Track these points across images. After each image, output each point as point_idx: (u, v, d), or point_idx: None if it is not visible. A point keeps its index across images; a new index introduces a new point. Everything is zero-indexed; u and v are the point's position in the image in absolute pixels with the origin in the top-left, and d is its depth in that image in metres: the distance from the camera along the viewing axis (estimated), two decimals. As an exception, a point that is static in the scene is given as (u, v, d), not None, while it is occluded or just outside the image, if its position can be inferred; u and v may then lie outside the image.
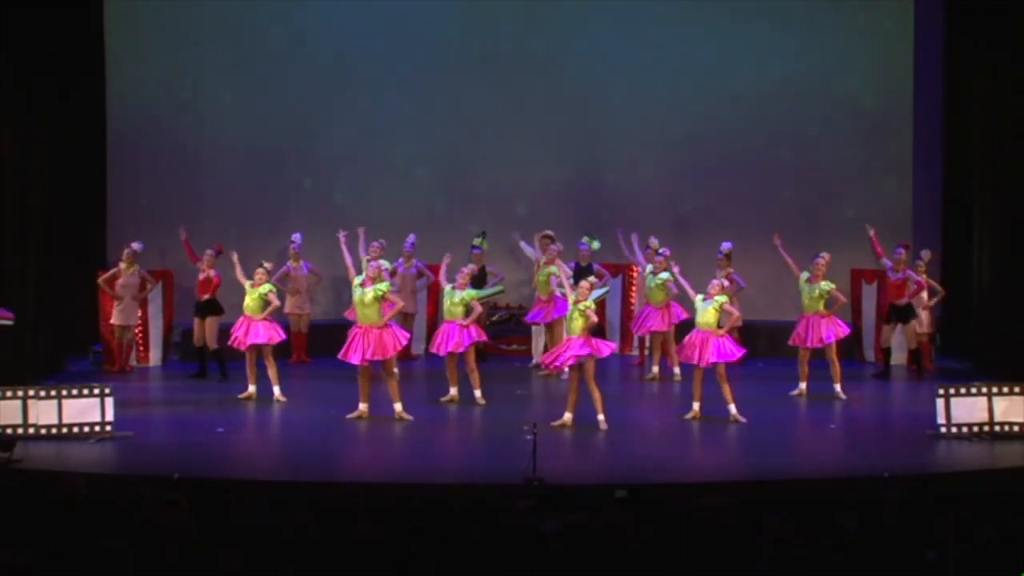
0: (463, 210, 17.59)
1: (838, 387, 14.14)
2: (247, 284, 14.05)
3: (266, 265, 14.29)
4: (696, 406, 12.98)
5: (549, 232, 15.80)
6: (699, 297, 13.06)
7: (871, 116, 17.57)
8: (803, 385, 14.22)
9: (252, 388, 14.04)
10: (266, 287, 14.02)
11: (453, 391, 13.88)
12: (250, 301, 13.98)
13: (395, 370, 13.22)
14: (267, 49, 17.57)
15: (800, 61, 17.59)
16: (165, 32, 17.39)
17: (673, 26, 17.78)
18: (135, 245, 15.60)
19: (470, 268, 14.23)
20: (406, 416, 12.93)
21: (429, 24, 17.68)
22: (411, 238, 16.21)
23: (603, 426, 12.47)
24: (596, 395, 12.50)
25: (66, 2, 15.69)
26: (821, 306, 13.99)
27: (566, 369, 12.83)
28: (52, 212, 15.29)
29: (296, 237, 16.29)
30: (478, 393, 13.81)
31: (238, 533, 7.83)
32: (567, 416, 12.58)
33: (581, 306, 12.43)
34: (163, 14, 17.39)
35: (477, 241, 16.13)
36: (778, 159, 17.72)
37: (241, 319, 14.05)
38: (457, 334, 13.65)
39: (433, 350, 14.09)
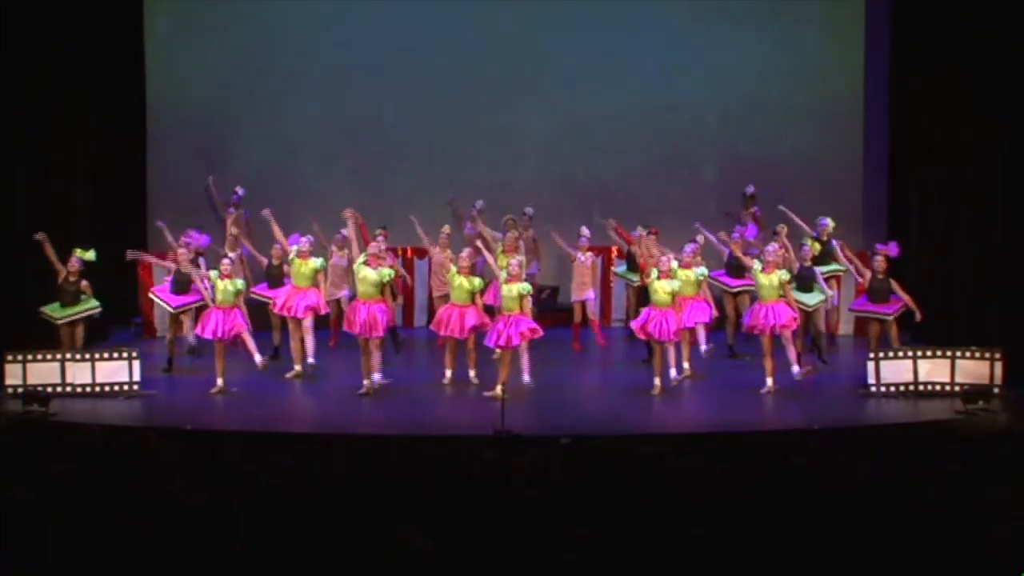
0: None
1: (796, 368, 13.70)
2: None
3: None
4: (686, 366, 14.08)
5: (514, 217, 16.06)
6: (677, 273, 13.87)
7: (826, 114, 18.57)
8: (770, 381, 13.68)
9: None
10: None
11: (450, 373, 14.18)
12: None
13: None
14: (292, 51, 18.94)
15: (768, 59, 18.60)
16: (202, 35, 18.84)
17: (648, 28, 18.88)
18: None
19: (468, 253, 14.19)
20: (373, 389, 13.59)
21: (439, 27, 18.91)
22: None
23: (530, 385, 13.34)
24: (526, 358, 13.34)
25: (108, 12, 17.33)
26: (776, 295, 13.69)
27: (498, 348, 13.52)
28: (96, 203, 16.71)
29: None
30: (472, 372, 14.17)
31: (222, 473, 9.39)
32: (498, 388, 12.90)
33: (520, 287, 13.38)
34: (199, 18, 18.87)
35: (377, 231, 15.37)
36: (743, 155, 18.65)
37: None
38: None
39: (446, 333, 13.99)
